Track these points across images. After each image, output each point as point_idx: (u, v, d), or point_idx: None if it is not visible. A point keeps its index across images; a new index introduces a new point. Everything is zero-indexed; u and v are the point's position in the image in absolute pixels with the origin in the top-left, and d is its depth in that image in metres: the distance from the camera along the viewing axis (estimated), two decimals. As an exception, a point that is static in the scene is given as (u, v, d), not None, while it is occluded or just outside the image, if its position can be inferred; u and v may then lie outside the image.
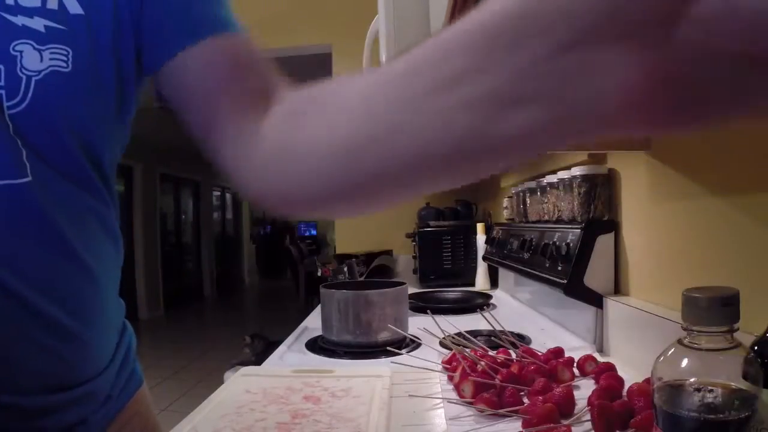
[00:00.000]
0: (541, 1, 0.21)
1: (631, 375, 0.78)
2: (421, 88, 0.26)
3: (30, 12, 0.42)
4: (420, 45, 0.27)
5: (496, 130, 0.24)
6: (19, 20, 0.42)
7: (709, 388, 0.36)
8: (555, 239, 1.08)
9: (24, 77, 0.41)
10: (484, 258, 1.78)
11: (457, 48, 0.24)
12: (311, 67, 2.73)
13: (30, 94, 0.41)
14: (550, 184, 1.17)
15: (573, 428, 0.61)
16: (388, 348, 1.01)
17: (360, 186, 0.32)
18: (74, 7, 0.44)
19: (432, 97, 0.25)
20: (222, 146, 0.42)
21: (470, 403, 0.71)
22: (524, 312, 1.44)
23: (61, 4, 0.43)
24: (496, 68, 0.23)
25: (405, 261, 2.32)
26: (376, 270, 2.01)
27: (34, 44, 0.42)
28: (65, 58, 0.43)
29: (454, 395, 0.77)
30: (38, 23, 0.42)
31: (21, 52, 0.41)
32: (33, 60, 0.42)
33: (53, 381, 0.46)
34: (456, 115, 0.25)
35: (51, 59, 0.42)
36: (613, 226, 0.98)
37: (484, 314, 1.02)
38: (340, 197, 0.34)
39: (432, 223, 2.10)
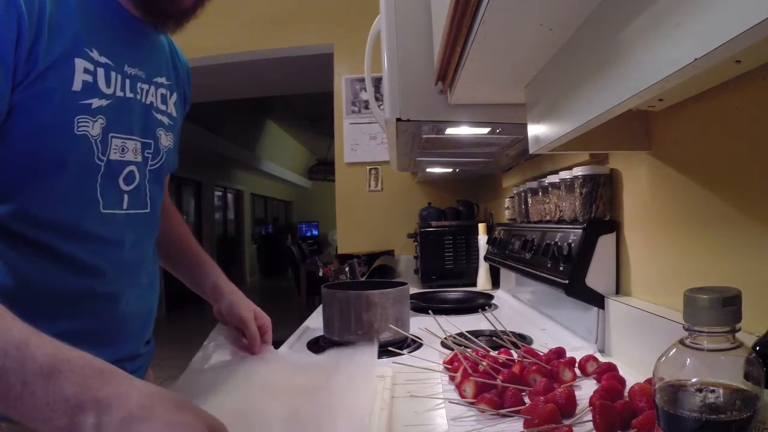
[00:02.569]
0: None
1: (632, 375, 0.78)
2: None
3: (162, 113, 0.75)
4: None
5: None
6: (159, 116, 0.74)
7: (711, 388, 0.36)
8: (556, 239, 1.08)
9: (162, 149, 0.75)
10: (486, 258, 1.78)
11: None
12: (313, 66, 2.74)
13: (161, 160, 0.75)
14: (552, 184, 1.16)
15: (574, 428, 0.61)
16: (390, 348, 1.01)
17: None
18: (173, 113, 0.78)
19: None
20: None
21: (472, 404, 0.71)
22: (525, 312, 1.44)
23: (169, 110, 0.77)
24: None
25: (406, 261, 2.32)
26: (377, 270, 2.01)
27: (165, 131, 0.75)
28: (173, 140, 0.78)
29: (455, 395, 0.77)
30: (165, 120, 0.75)
31: (160, 135, 0.74)
32: (165, 140, 0.75)
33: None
34: None
35: (168, 140, 0.76)
36: (614, 226, 0.98)
37: (485, 314, 1.02)
38: None
39: (433, 223, 2.09)
